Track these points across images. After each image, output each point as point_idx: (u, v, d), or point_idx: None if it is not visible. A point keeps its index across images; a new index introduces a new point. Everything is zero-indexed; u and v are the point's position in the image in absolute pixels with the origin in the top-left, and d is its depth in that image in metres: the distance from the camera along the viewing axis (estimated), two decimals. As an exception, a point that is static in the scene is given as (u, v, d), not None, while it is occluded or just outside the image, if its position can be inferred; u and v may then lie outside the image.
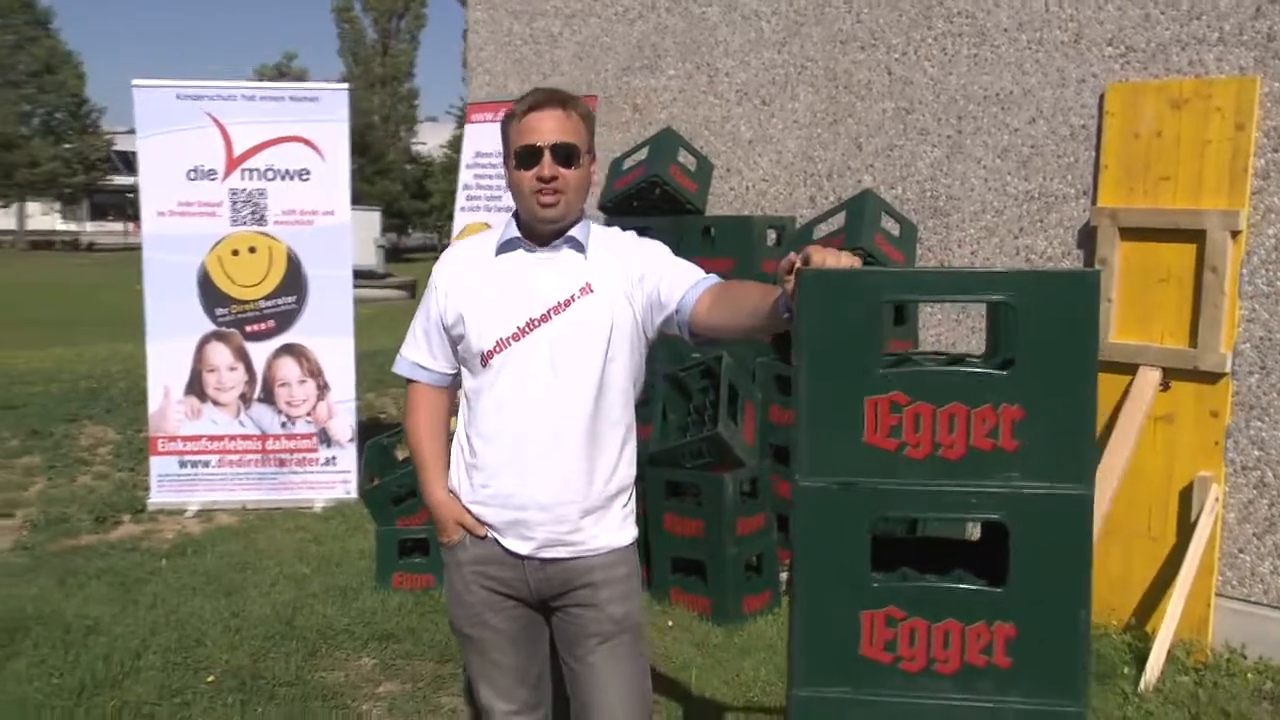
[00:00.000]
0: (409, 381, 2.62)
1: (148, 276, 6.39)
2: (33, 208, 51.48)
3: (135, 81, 6.29)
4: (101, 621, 4.61)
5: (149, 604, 4.85)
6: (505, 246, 2.45)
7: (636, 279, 2.42)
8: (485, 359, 2.42)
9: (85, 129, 49.40)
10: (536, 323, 2.38)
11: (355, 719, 3.91)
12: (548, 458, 2.39)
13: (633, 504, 2.56)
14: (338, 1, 51.72)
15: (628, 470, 2.52)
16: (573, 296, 2.38)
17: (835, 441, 1.84)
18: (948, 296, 2.02)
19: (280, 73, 49.11)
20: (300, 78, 48.91)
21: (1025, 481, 1.80)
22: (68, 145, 47.93)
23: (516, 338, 2.38)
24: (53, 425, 8.65)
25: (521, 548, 2.45)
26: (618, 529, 2.50)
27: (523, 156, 2.35)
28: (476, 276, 2.47)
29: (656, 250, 2.48)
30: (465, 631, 2.57)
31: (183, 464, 6.45)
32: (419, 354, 2.57)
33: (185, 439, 6.45)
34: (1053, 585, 1.81)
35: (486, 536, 2.49)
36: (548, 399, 2.37)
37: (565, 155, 2.34)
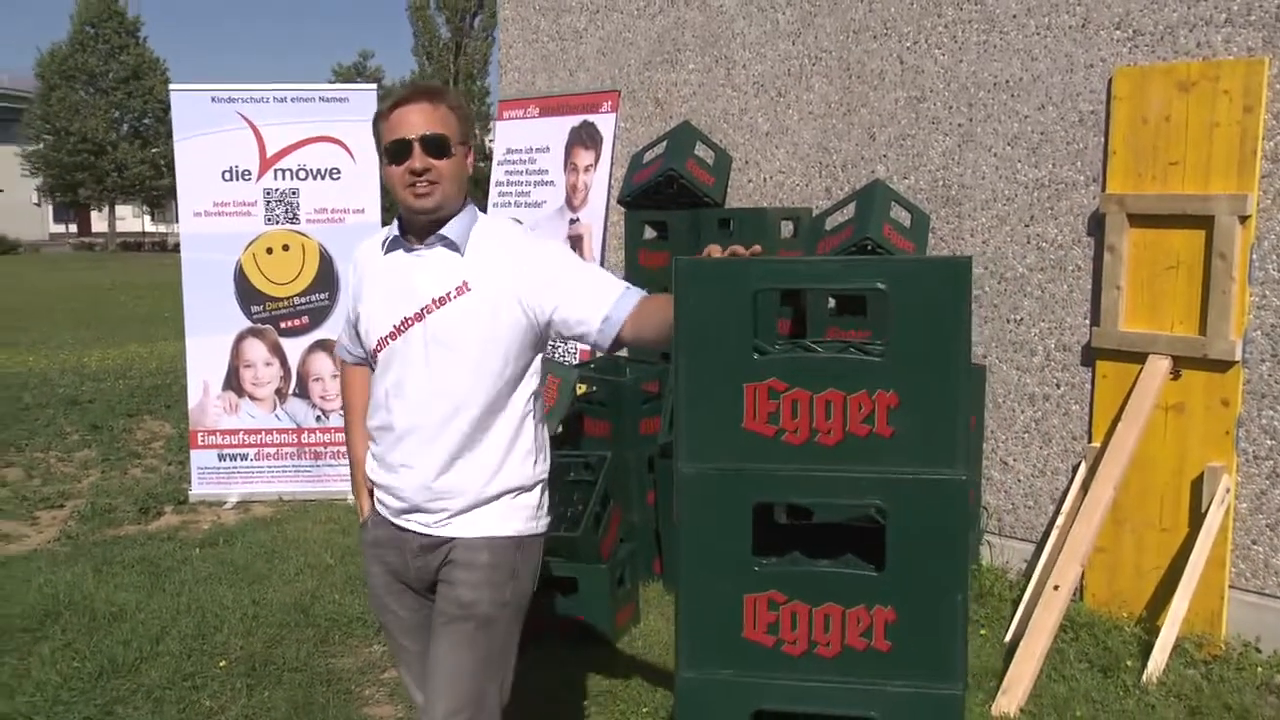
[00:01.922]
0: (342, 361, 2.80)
1: (186, 275, 6.62)
2: (122, 210, 53.10)
3: (172, 87, 6.51)
4: (127, 608, 4.80)
5: (174, 591, 5.03)
6: (389, 246, 2.50)
7: (535, 289, 2.39)
8: (373, 355, 2.51)
9: (171, 134, 50.76)
10: (411, 321, 2.42)
11: (355, 702, 4.02)
12: (425, 452, 2.43)
13: (531, 500, 2.52)
14: (413, 0, 52.42)
15: (520, 468, 2.49)
16: (448, 295, 2.39)
17: (715, 428, 1.87)
18: (821, 284, 2.04)
19: (357, 72, 49.96)
20: (376, 77, 49.72)
21: (901, 466, 1.82)
22: (155, 149, 49.31)
23: (394, 336, 2.44)
24: (113, 420, 8.96)
25: (406, 525, 2.51)
26: (497, 520, 2.47)
27: (393, 152, 2.37)
28: (368, 275, 2.54)
29: (558, 261, 2.44)
30: (377, 616, 2.65)
31: (221, 457, 6.66)
32: (346, 339, 2.74)
33: (224, 433, 6.66)
34: (929, 569, 1.83)
35: (381, 519, 2.56)
36: (422, 396, 2.41)
37: (435, 146, 2.35)
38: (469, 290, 2.40)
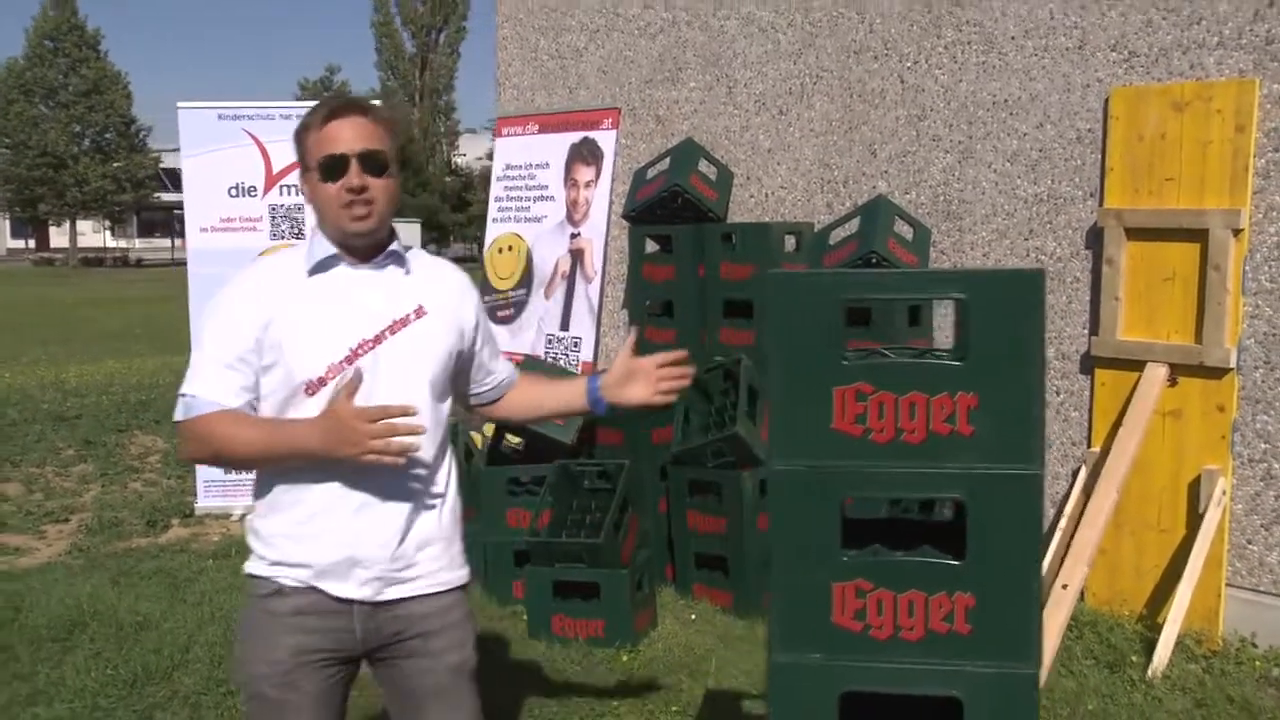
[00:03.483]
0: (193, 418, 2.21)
1: (193, 290, 6.67)
2: (83, 225, 52.61)
3: (180, 104, 6.59)
4: (152, 618, 4.86)
5: (196, 601, 5.09)
6: (321, 265, 2.25)
7: (475, 323, 2.41)
8: (311, 388, 2.20)
9: (133, 148, 50.47)
10: (370, 344, 2.22)
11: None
12: (390, 488, 2.23)
13: (460, 542, 2.42)
14: (377, 15, 52.46)
15: (457, 502, 2.40)
16: (407, 317, 2.26)
17: (805, 428, 2.01)
18: (905, 295, 2.18)
19: (324, 87, 49.90)
20: (341, 92, 49.61)
21: (981, 463, 1.97)
22: (116, 164, 48.98)
23: (351, 359, 2.20)
24: (105, 435, 8.98)
25: (353, 592, 2.24)
26: (454, 566, 2.38)
27: (327, 168, 2.17)
28: (291, 302, 2.23)
29: (481, 308, 2.47)
30: (267, 693, 2.24)
31: (227, 470, 6.71)
32: (220, 393, 2.19)
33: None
34: (1007, 557, 1.97)
35: (304, 588, 2.25)
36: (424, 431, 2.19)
37: (374, 164, 2.19)
38: (426, 314, 2.29)
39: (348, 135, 2.18)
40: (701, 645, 4.65)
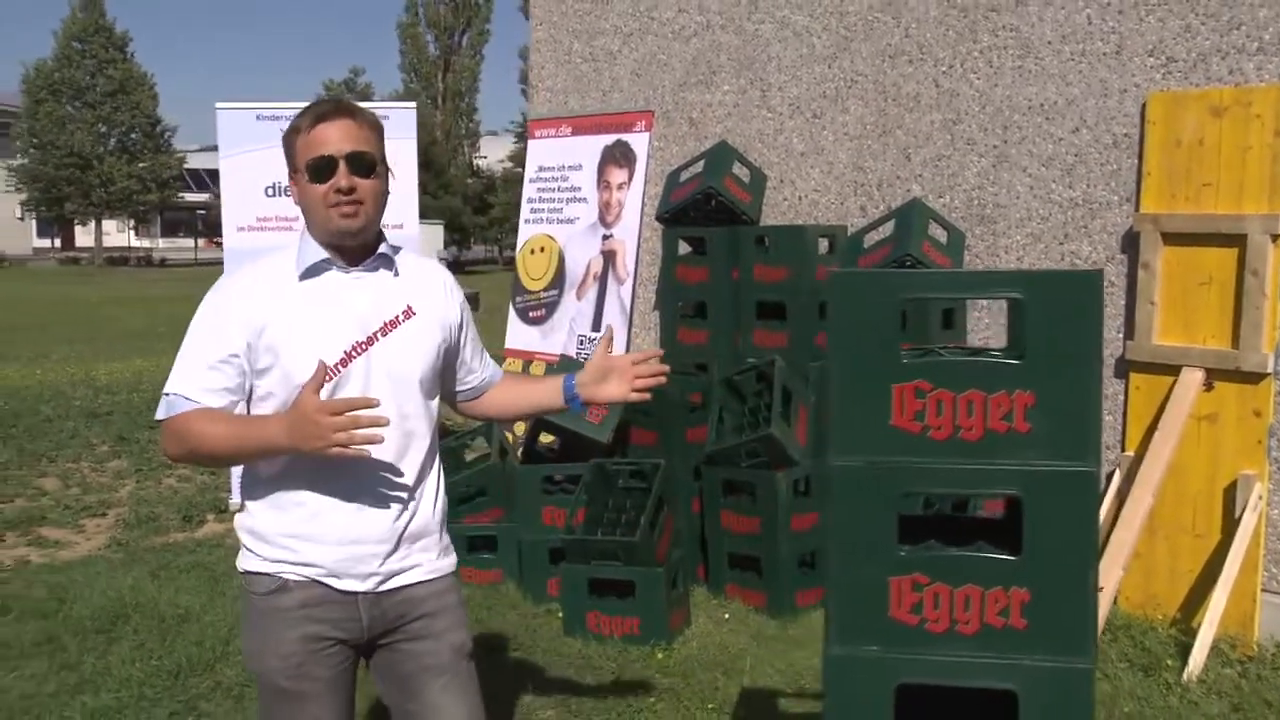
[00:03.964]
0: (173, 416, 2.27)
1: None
2: (108, 225, 53.03)
3: (219, 104, 6.66)
4: (192, 611, 4.93)
5: (234, 595, 5.15)
6: (312, 270, 2.31)
7: (460, 322, 2.50)
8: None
9: (158, 148, 50.86)
10: (364, 345, 2.29)
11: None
12: (388, 484, 2.32)
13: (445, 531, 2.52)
14: (402, 18, 52.74)
15: (443, 500, 2.49)
16: (397, 318, 2.34)
17: (865, 424, 2.05)
18: (964, 294, 2.21)
19: (348, 88, 50.16)
20: (365, 94, 49.92)
21: (1037, 460, 2.00)
22: (142, 164, 49.36)
23: (345, 361, 2.27)
24: (137, 432, 9.09)
25: (358, 585, 2.32)
26: (445, 554, 2.47)
27: (315, 169, 2.23)
28: (284, 305, 2.28)
29: (466, 307, 2.54)
30: (282, 685, 2.30)
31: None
32: (200, 392, 2.25)
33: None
34: (1063, 552, 2.00)
35: (306, 581, 2.31)
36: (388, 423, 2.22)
37: (362, 165, 2.24)
38: (414, 314, 2.37)
39: (335, 137, 2.24)
40: (735, 644, 4.68)
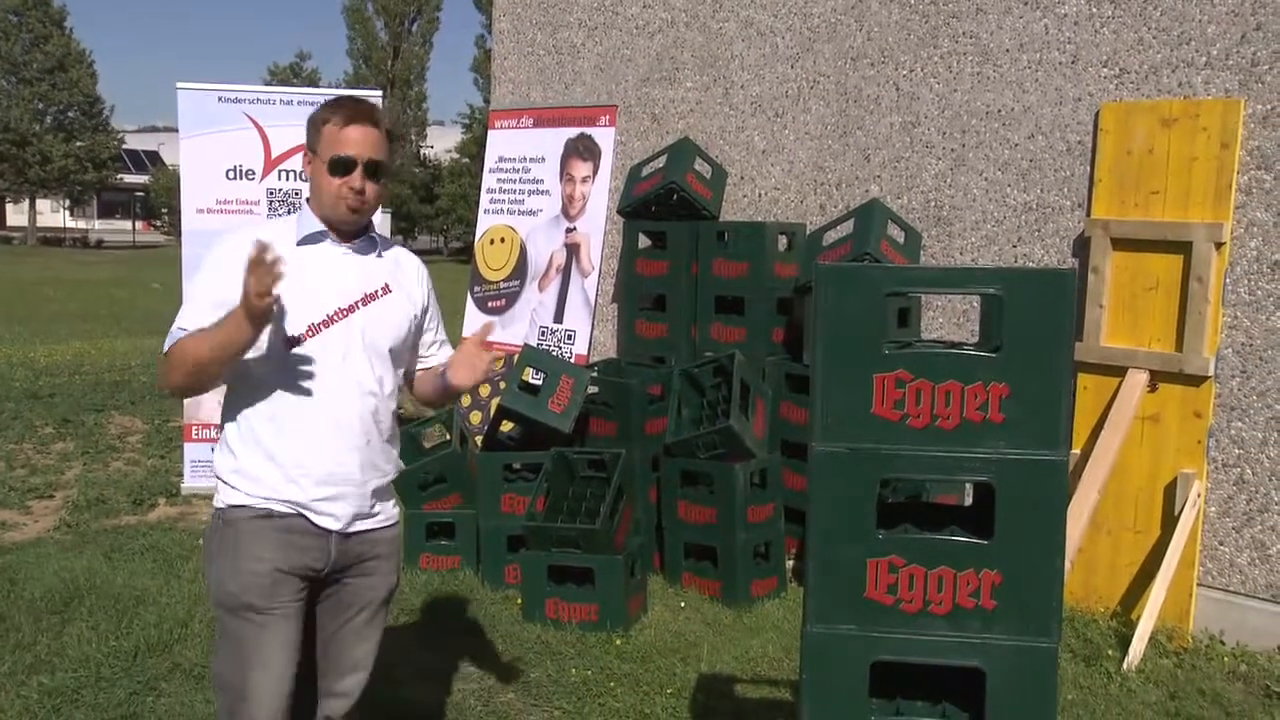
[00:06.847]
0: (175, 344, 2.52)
1: (186, 271, 6.68)
2: (42, 205, 51.84)
3: (180, 84, 6.60)
4: (148, 593, 4.90)
5: (190, 578, 5.14)
6: (310, 239, 2.60)
7: (426, 304, 2.80)
8: (292, 343, 2.53)
9: (96, 127, 49.82)
10: (345, 311, 2.58)
11: (387, 683, 4.19)
12: (361, 435, 2.61)
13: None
14: (350, 2, 52.09)
15: (396, 457, 2.79)
16: (376, 293, 2.64)
17: (847, 412, 2.13)
18: (947, 290, 2.31)
19: (293, 73, 49.49)
20: (312, 79, 49.32)
21: (1010, 448, 2.10)
22: (79, 143, 48.31)
23: (328, 323, 2.56)
24: (82, 415, 8.95)
25: (331, 523, 2.59)
26: (394, 505, 2.80)
27: (336, 165, 2.52)
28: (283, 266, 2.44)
29: (434, 294, 2.84)
30: (253, 602, 2.51)
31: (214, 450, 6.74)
32: (199, 319, 2.49)
33: (218, 426, 6.73)
34: (1033, 537, 2.11)
35: (295, 512, 2.55)
36: (361, 380, 2.59)
37: (375, 171, 2.55)
38: (391, 292, 2.68)
39: (361, 140, 2.54)
40: (692, 632, 4.77)
